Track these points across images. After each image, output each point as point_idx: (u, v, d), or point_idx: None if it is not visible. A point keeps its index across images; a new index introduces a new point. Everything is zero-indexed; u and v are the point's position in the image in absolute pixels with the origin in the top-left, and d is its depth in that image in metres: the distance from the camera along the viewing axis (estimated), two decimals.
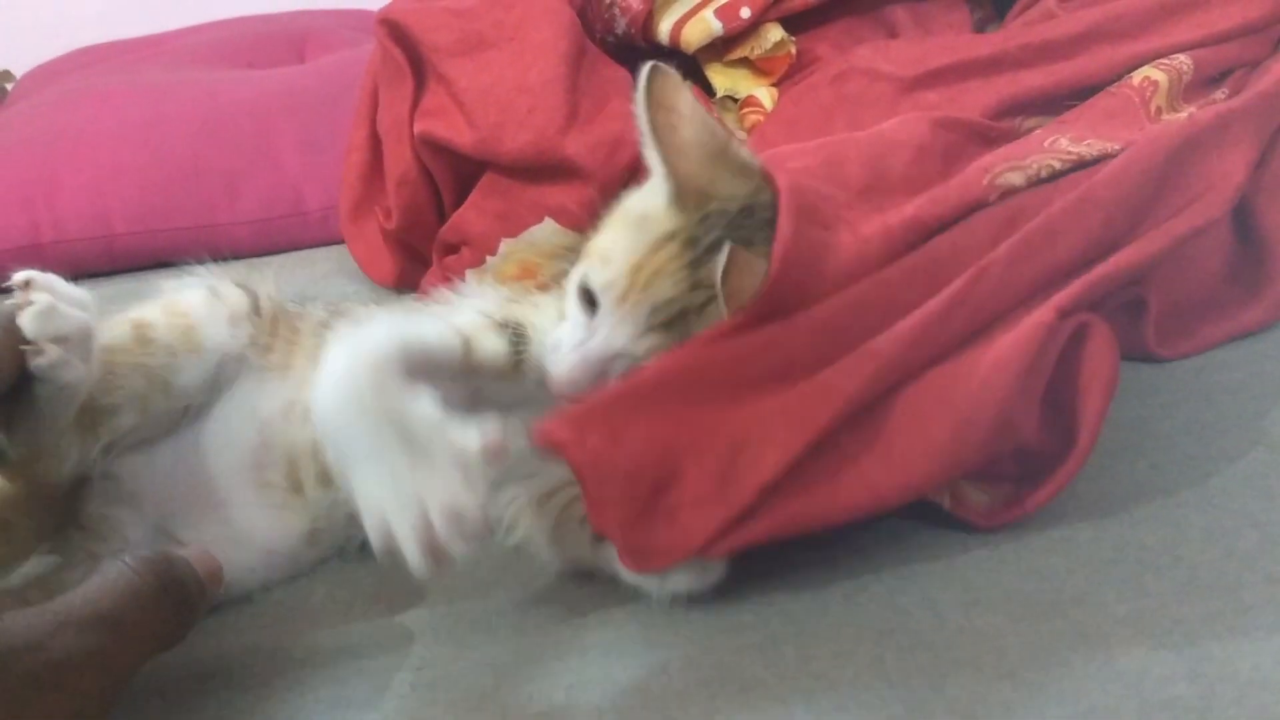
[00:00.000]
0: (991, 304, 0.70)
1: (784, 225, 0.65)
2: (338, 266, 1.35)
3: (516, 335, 0.73)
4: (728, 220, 0.67)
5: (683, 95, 0.71)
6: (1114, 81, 0.90)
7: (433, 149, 1.10)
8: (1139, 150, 0.78)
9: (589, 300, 0.69)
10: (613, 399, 0.64)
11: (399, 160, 1.13)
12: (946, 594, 0.67)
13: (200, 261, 0.85)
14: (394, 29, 1.10)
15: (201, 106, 1.43)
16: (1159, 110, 0.89)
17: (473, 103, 1.06)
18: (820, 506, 0.65)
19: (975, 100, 0.89)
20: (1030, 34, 0.97)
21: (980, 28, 1.14)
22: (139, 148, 1.38)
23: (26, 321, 0.61)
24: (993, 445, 0.68)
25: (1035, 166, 0.77)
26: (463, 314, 0.74)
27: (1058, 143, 0.82)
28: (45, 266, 1.34)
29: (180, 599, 0.59)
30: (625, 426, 0.63)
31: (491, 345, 0.71)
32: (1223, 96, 0.92)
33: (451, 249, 1.15)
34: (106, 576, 0.58)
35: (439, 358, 0.68)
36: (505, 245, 1.10)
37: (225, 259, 1.37)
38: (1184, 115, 0.88)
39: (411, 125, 1.11)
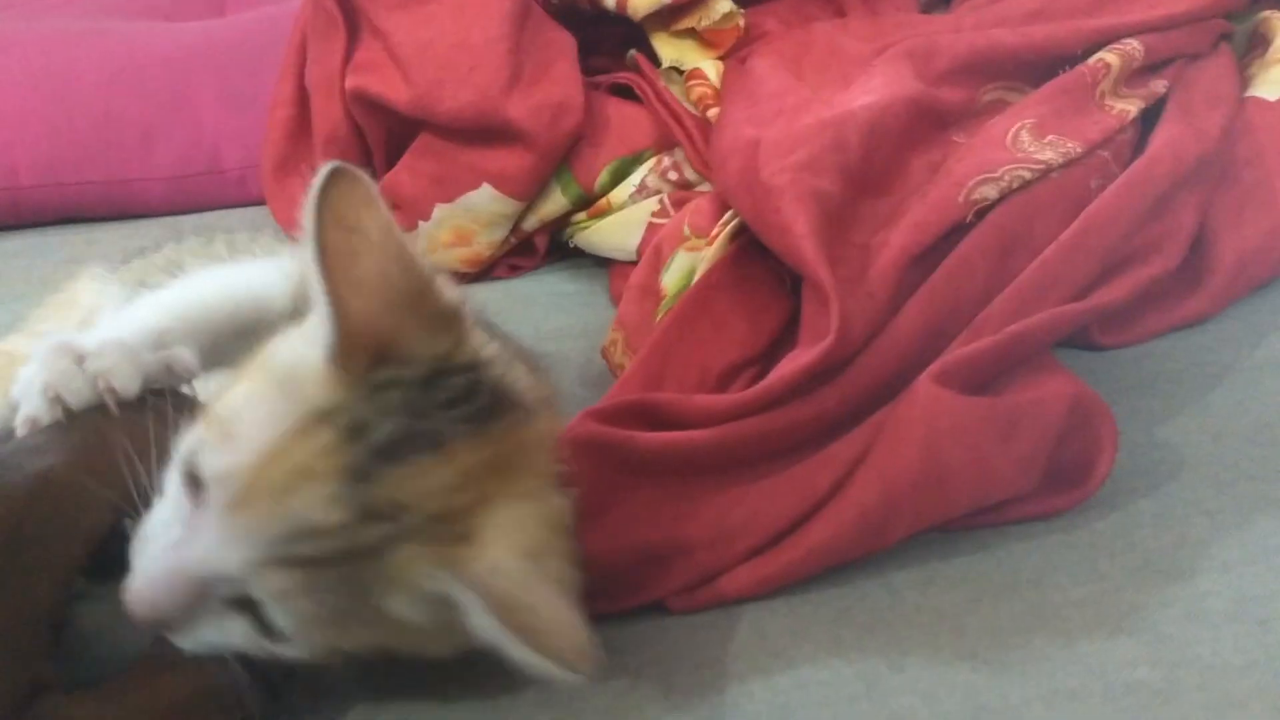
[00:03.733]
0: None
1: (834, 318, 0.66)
2: (255, 227, 1.30)
3: None
4: (407, 397, 0.49)
5: (374, 212, 0.51)
6: (1080, 56, 0.89)
7: (365, 106, 1.05)
8: (1128, 190, 0.80)
9: (195, 483, 0.49)
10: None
11: (328, 117, 1.08)
12: (902, 573, 0.65)
13: None
14: None
15: (115, 57, 1.35)
16: (1103, 95, 0.89)
17: (410, 58, 1.02)
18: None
19: (949, 45, 0.88)
20: (982, 15, 0.96)
21: (926, 10, 1.14)
22: (48, 97, 1.30)
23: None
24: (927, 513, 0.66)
25: (1007, 178, 0.78)
26: None
27: (1020, 139, 0.81)
28: None
29: None
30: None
31: None
32: (1162, 87, 0.92)
33: None
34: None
35: None
36: (439, 211, 1.06)
37: (137, 217, 1.33)
38: (1131, 110, 0.87)
39: (343, 81, 1.06)
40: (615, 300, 1.02)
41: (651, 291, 0.84)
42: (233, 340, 0.61)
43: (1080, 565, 0.66)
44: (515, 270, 1.11)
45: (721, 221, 0.81)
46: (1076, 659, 0.58)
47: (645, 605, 0.63)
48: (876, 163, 0.78)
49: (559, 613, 0.47)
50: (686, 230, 0.83)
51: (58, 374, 0.52)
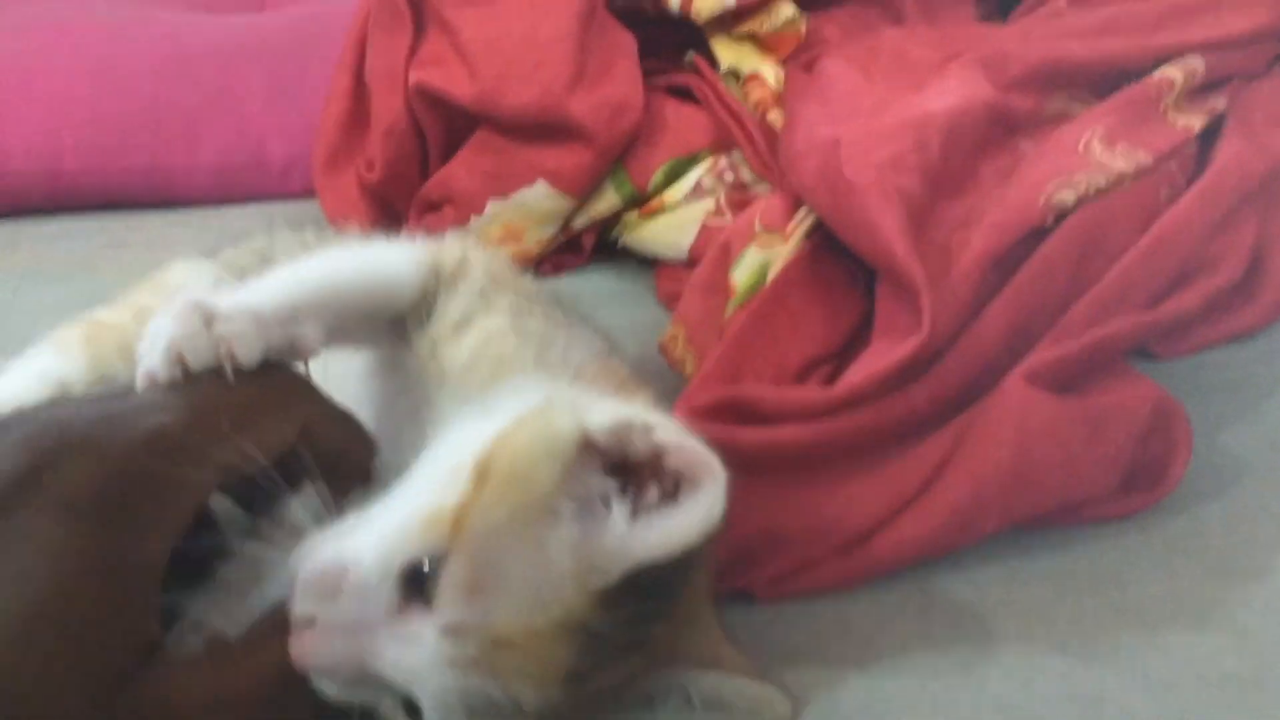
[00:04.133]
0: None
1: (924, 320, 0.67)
2: (300, 221, 1.30)
3: None
4: (638, 608, 0.49)
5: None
6: (1145, 71, 0.90)
7: (427, 100, 1.06)
8: (1199, 202, 0.82)
9: (413, 584, 0.48)
10: None
11: (388, 110, 1.09)
12: (983, 569, 0.66)
13: None
14: None
15: (164, 46, 1.36)
16: (1166, 110, 0.90)
17: (476, 53, 1.03)
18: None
19: (1021, 53, 0.89)
20: (1049, 27, 0.98)
21: (983, 21, 1.15)
22: (96, 82, 1.31)
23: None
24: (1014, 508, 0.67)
25: (1084, 184, 0.79)
26: None
27: (1091, 147, 0.83)
28: None
29: None
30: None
31: None
32: (1222, 105, 0.93)
33: (433, 207, 1.12)
34: None
35: None
36: (493, 206, 1.07)
37: (178, 205, 1.34)
38: (1195, 125, 0.89)
39: (407, 74, 1.07)
40: (663, 299, 1.03)
41: (717, 288, 0.84)
42: (358, 323, 0.62)
43: (1157, 563, 0.67)
44: (560, 268, 1.12)
45: (796, 219, 0.82)
46: (1165, 651, 0.59)
47: (731, 592, 0.64)
48: (954, 165, 0.79)
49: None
50: (758, 227, 0.84)
51: (184, 333, 0.52)
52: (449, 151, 1.11)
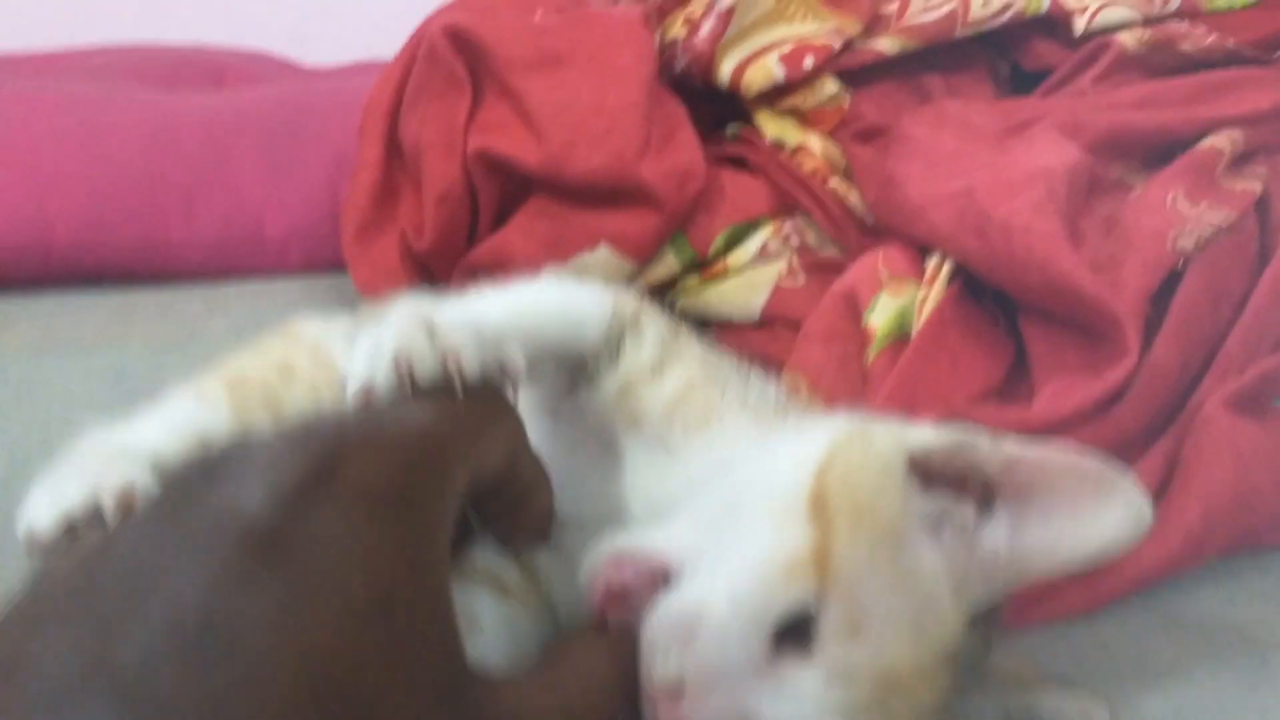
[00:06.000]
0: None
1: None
2: (305, 297, 1.26)
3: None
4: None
5: None
6: (1190, 142, 0.97)
7: (487, 166, 1.05)
8: None
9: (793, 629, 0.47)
10: None
11: (442, 176, 1.07)
12: (1203, 590, 0.69)
13: None
14: (460, 39, 1.05)
15: (151, 118, 1.30)
16: (1220, 177, 0.97)
17: (544, 119, 1.03)
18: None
19: (1091, 121, 0.94)
20: (1096, 100, 1.04)
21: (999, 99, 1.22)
22: (83, 155, 1.24)
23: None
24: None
25: (1196, 234, 0.84)
26: None
27: (1177, 203, 0.88)
28: None
29: None
30: None
31: None
32: (1263, 172, 1.00)
33: (481, 272, 1.10)
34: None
35: None
36: (550, 271, 1.06)
37: (174, 280, 1.27)
38: (1254, 188, 0.96)
39: (465, 140, 1.06)
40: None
41: (843, 335, 0.86)
42: (546, 356, 0.60)
43: None
44: None
45: (933, 264, 0.85)
46: None
47: None
48: (1069, 216, 0.84)
49: None
50: (885, 275, 0.86)
51: (410, 345, 0.48)
52: (499, 218, 1.09)
